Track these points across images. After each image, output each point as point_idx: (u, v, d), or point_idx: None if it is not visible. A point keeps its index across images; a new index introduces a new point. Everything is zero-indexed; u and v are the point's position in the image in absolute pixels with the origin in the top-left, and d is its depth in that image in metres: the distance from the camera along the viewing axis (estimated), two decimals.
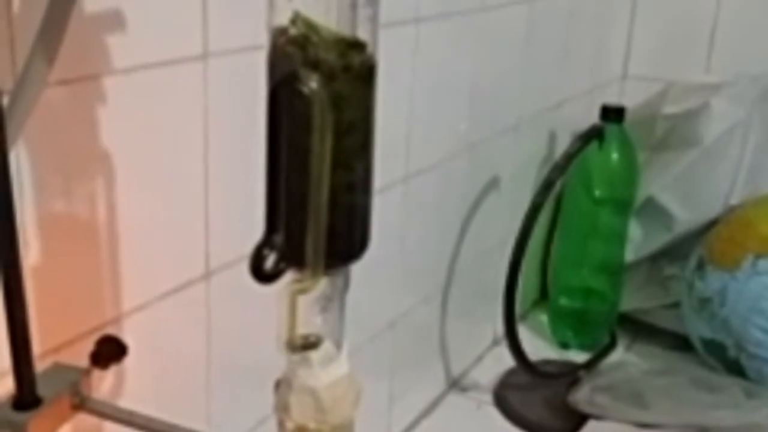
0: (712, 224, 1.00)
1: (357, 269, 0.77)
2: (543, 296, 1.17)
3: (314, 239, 0.32)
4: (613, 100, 1.16)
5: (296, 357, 0.35)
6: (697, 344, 0.98)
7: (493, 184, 0.99)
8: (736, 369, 0.93)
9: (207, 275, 0.59)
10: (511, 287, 0.87)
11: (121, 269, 0.53)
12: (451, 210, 0.93)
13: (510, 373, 0.98)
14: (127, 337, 0.53)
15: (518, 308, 1.12)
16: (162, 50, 0.53)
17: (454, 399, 0.97)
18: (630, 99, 1.17)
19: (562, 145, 1.10)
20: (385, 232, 0.80)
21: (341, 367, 0.36)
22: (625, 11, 1.24)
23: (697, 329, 0.97)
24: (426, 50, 0.79)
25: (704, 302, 0.95)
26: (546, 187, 0.85)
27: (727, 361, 0.94)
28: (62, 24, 0.40)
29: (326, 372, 0.35)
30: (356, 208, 0.34)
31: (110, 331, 0.52)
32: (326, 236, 0.33)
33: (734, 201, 1.00)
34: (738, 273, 0.91)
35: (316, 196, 0.31)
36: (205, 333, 0.60)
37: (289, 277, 0.34)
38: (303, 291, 0.33)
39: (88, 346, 0.50)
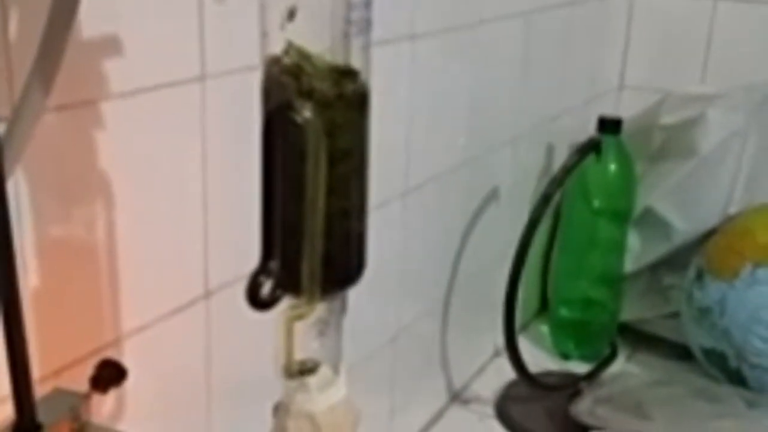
0: (710, 234, 1.00)
1: (358, 284, 0.77)
2: (543, 307, 1.17)
3: (310, 266, 0.32)
4: (609, 110, 1.17)
5: (293, 382, 0.35)
6: (698, 354, 0.98)
7: (492, 196, 0.99)
8: (737, 379, 0.93)
9: (206, 295, 0.60)
10: (510, 300, 0.87)
11: (120, 291, 0.53)
12: (451, 223, 0.93)
13: (511, 385, 0.99)
14: (127, 359, 0.53)
15: (519, 319, 1.12)
16: (159, 73, 0.53)
17: (455, 412, 0.97)
18: (627, 109, 1.18)
19: (560, 156, 1.10)
20: (385, 246, 0.81)
21: (339, 392, 0.36)
22: (621, 22, 1.25)
23: (698, 339, 0.97)
24: (423, 66, 0.80)
25: (704, 312, 0.95)
26: (544, 200, 0.86)
27: (727, 370, 0.94)
28: (59, 51, 0.41)
29: (324, 397, 0.35)
30: (352, 233, 0.34)
31: (110, 353, 0.53)
32: (322, 262, 0.33)
33: (732, 210, 1.00)
34: (737, 282, 0.92)
35: (311, 222, 0.32)
36: (205, 353, 0.61)
37: (285, 303, 0.34)
38: (299, 317, 0.34)
39: (88, 369, 0.50)
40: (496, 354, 1.06)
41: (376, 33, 0.74)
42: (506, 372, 0.96)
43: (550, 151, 1.11)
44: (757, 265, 0.91)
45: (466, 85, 0.89)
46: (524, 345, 1.09)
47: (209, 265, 0.59)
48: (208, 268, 0.59)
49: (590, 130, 1.02)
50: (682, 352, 1.02)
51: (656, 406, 0.89)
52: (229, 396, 0.63)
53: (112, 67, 0.49)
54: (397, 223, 0.82)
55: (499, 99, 0.97)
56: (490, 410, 0.96)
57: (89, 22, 0.46)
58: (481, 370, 1.04)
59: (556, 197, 1.07)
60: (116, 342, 0.53)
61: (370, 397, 0.85)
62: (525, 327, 1.14)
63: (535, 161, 1.08)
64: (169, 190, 0.55)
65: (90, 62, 0.48)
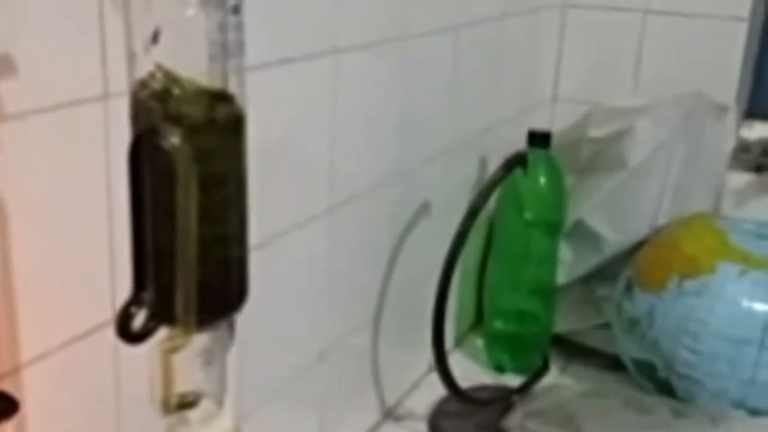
0: (640, 245, 1.01)
1: (282, 301, 0.76)
2: (480, 320, 1.17)
3: (184, 295, 0.31)
4: (543, 122, 1.18)
5: (173, 417, 0.34)
6: (629, 365, 0.99)
7: (423, 210, 0.99)
8: (666, 389, 0.93)
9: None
10: (439, 315, 0.87)
11: (18, 319, 0.51)
12: (381, 238, 0.93)
13: (445, 401, 0.98)
14: (28, 388, 0.51)
15: (454, 333, 1.12)
16: (59, 92, 0.51)
17: (388, 429, 0.96)
18: (560, 121, 1.19)
19: (494, 168, 1.10)
20: (310, 262, 0.80)
21: (223, 424, 0.35)
22: (553, 34, 1.26)
23: (628, 350, 0.98)
24: (347, 80, 0.79)
25: (633, 323, 0.95)
26: (470, 215, 0.86)
27: (657, 381, 0.94)
28: None
29: (207, 430, 0.34)
30: (230, 260, 0.33)
31: (8, 383, 0.51)
32: (198, 291, 0.32)
33: (661, 222, 1.01)
34: (664, 294, 0.92)
35: (184, 250, 0.30)
36: (114, 378, 0.59)
37: (162, 334, 0.33)
38: (175, 349, 0.32)
39: None
40: (431, 369, 1.05)
41: (296, 48, 0.73)
42: (441, 387, 0.95)
43: (483, 163, 1.11)
44: (683, 276, 0.92)
45: (395, 98, 0.89)
46: (460, 358, 1.09)
47: (117, 288, 0.57)
48: (115, 292, 0.57)
49: (524, 142, 1.02)
50: (615, 364, 1.03)
51: (587, 418, 0.89)
52: (140, 423, 0.61)
53: (6, 87, 0.48)
54: (324, 239, 0.81)
55: (429, 112, 0.96)
56: (423, 427, 0.96)
57: None
58: (415, 385, 1.03)
59: (489, 210, 1.07)
60: (15, 371, 0.51)
61: (298, 416, 0.85)
62: (461, 340, 1.14)
63: (467, 174, 1.08)
64: (72, 213, 0.54)
65: None
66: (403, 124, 0.90)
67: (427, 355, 1.05)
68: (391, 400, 0.99)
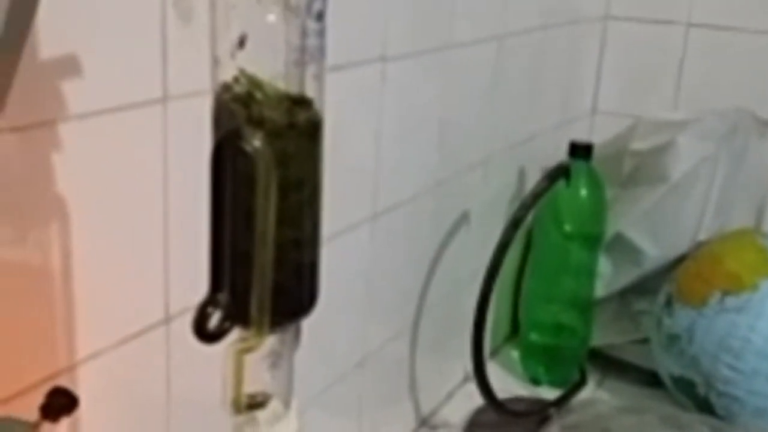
0: (681, 260, 1.00)
1: (323, 308, 0.76)
2: (515, 331, 1.16)
3: (259, 297, 0.32)
4: (582, 135, 1.17)
5: (242, 417, 0.34)
6: (667, 381, 0.98)
7: (462, 219, 0.99)
8: (705, 406, 0.92)
9: (167, 320, 0.58)
10: (479, 325, 0.86)
11: (76, 316, 0.52)
12: (421, 247, 0.93)
13: (480, 411, 0.98)
14: (83, 385, 0.52)
15: (490, 344, 1.12)
16: (120, 94, 0.52)
17: None
18: (600, 134, 1.18)
19: (532, 180, 1.10)
20: (351, 270, 0.80)
21: (289, 426, 0.35)
22: (594, 46, 1.25)
23: (667, 366, 0.97)
24: (393, 88, 0.79)
25: (673, 339, 0.95)
26: (513, 226, 0.85)
27: (696, 398, 0.93)
28: (9, 74, 0.40)
29: (274, 431, 0.34)
30: (303, 264, 0.33)
31: (64, 379, 0.51)
32: (272, 294, 0.32)
33: (702, 237, 1.01)
34: (705, 310, 0.92)
35: (261, 253, 0.31)
36: (165, 379, 0.59)
37: (234, 335, 0.33)
38: (248, 350, 0.33)
39: (41, 396, 0.49)
40: (467, 379, 1.05)
41: (346, 56, 0.74)
42: (476, 397, 0.95)
43: (522, 174, 1.11)
44: (725, 293, 0.91)
45: (437, 107, 0.89)
46: (495, 370, 1.09)
47: (170, 289, 0.58)
48: (168, 293, 0.58)
49: (563, 154, 1.02)
50: (652, 379, 1.02)
51: None
52: (189, 424, 0.62)
53: (70, 87, 0.48)
54: (366, 247, 0.81)
55: (470, 122, 0.96)
56: None
57: (47, 41, 0.45)
58: (450, 395, 1.03)
59: (527, 221, 1.07)
60: (71, 368, 0.52)
61: (337, 423, 0.85)
62: (496, 351, 1.14)
63: (506, 185, 1.08)
64: (129, 214, 0.54)
65: (46, 83, 0.47)
66: (444, 133, 0.91)
67: (464, 364, 1.05)
68: (426, 408, 0.98)
